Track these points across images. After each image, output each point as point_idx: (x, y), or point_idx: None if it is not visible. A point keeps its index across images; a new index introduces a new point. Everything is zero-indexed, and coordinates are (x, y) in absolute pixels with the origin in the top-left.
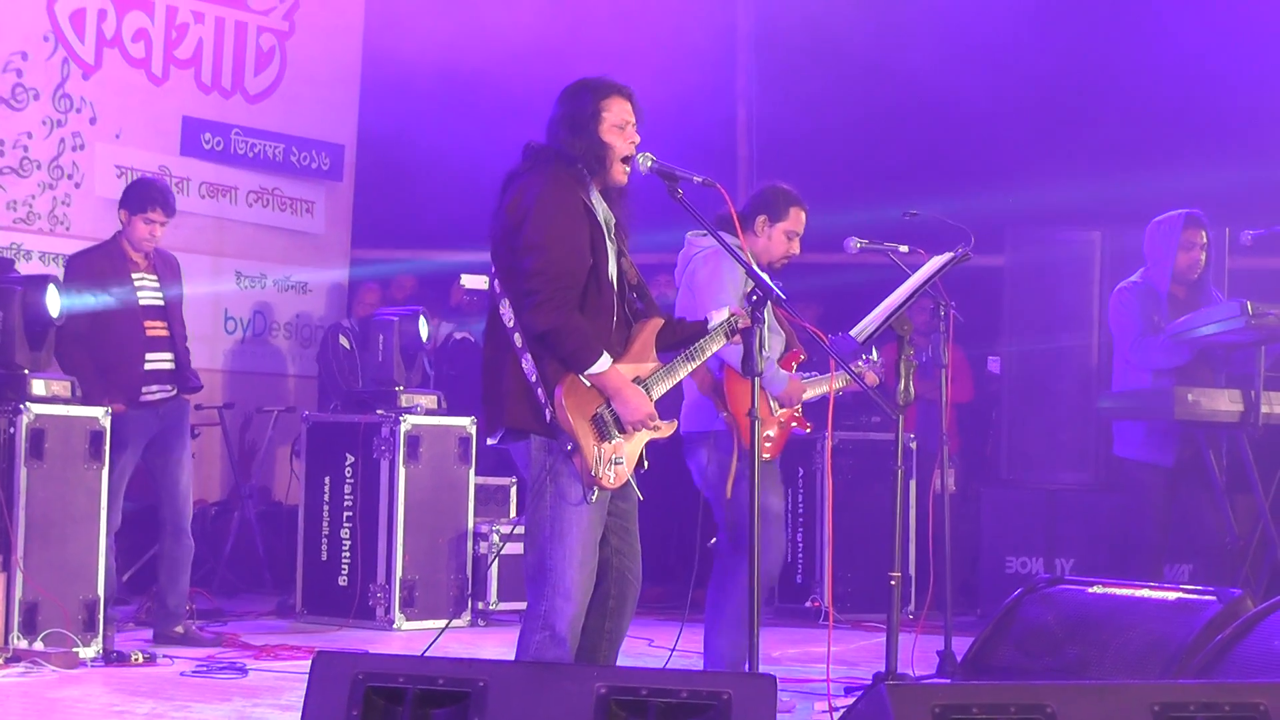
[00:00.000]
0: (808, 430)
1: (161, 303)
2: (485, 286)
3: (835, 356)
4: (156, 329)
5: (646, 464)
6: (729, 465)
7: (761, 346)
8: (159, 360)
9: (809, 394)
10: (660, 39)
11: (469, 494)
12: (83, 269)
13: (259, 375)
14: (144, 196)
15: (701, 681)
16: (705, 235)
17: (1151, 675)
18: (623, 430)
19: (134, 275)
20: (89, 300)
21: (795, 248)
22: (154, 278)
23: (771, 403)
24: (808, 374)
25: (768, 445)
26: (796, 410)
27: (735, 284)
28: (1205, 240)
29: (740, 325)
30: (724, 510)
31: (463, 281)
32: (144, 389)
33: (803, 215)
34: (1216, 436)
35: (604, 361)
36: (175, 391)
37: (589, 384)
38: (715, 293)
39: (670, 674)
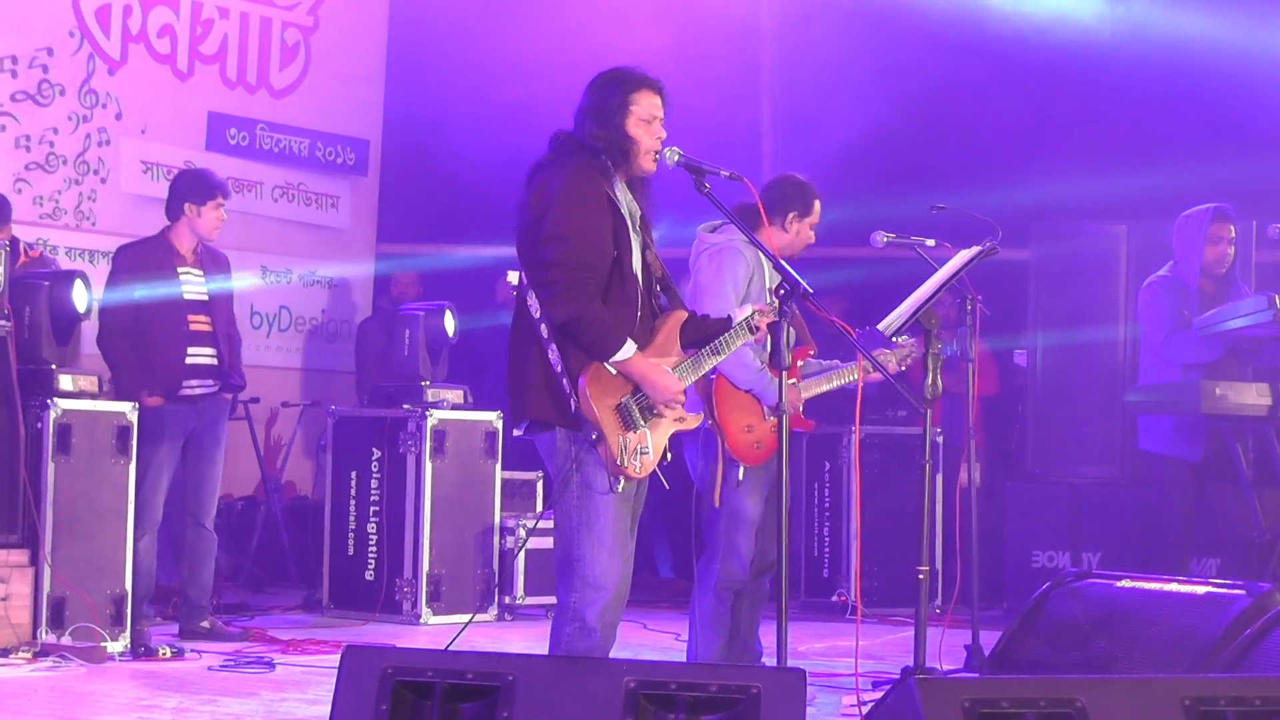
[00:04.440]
0: (809, 428)
1: (206, 298)
2: None
3: (863, 351)
4: (199, 323)
5: (669, 456)
6: (712, 470)
7: (789, 343)
8: (200, 355)
9: (812, 392)
10: (684, 33)
11: (495, 488)
12: (129, 261)
13: (285, 370)
14: (211, 184)
15: (731, 675)
16: (715, 230)
17: (1180, 669)
18: (649, 417)
19: (180, 269)
20: (132, 292)
21: (813, 237)
22: (200, 273)
23: (765, 410)
24: (826, 362)
25: (757, 449)
26: (798, 409)
27: (736, 283)
28: (1233, 234)
29: (761, 323)
30: (702, 509)
31: (508, 278)
32: (184, 383)
33: (820, 205)
34: (1243, 430)
35: (628, 348)
36: (216, 388)
37: (614, 373)
38: (714, 292)
39: (699, 668)
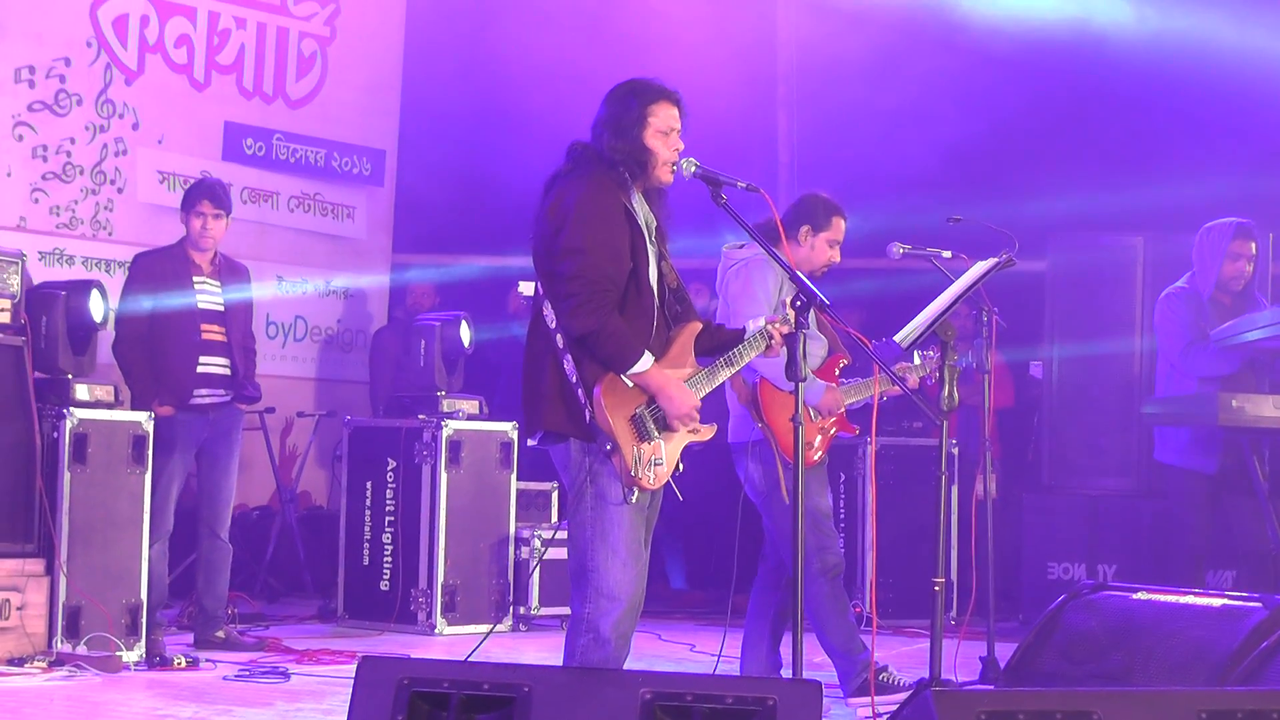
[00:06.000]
0: (855, 433)
1: (221, 308)
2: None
3: (879, 362)
4: (212, 333)
5: (681, 467)
6: (774, 474)
7: (804, 353)
8: (212, 364)
9: (850, 400)
10: (701, 44)
11: (510, 499)
12: (144, 269)
13: (301, 380)
14: (192, 193)
15: (747, 687)
16: (740, 247)
17: (1196, 682)
18: (663, 429)
19: (195, 279)
20: (147, 301)
21: (836, 255)
22: (216, 283)
23: (811, 411)
24: (851, 379)
25: (807, 450)
26: (841, 412)
27: (767, 294)
28: (1254, 251)
29: (779, 332)
30: (769, 519)
31: (520, 289)
32: (195, 392)
33: (843, 224)
34: (1260, 442)
35: (646, 360)
36: (229, 398)
37: (629, 384)
38: (746, 303)
39: (715, 679)
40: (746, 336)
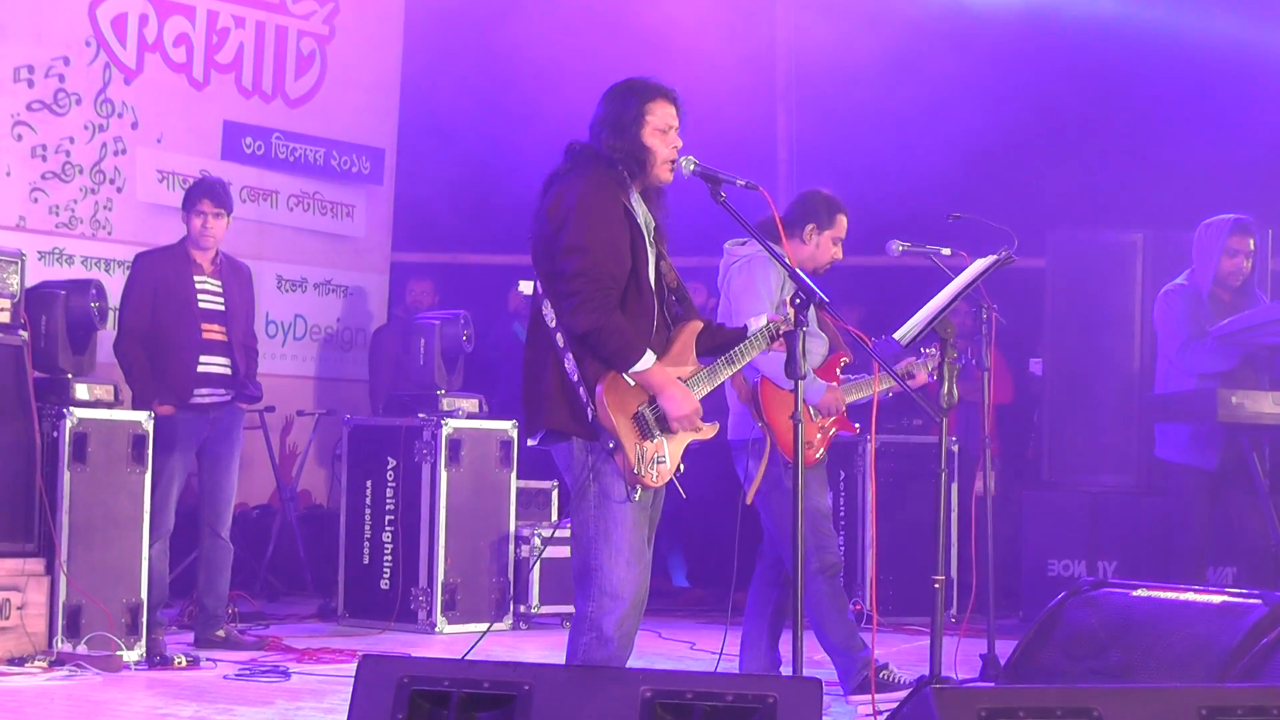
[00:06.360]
0: (855, 431)
1: (222, 308)
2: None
3: (879, 360)
4: (213, 332)
5: (682, 467)
6: (773, 472)
7: (804, 352)
8: (213, 364)
9: (852, 398)
10: (699, 43)
11: (510, 497)
12: (146, 268)
13: (300, 379)
14: (193, 192)
15: (747, 685)
16: (743, 244)
17: (1196, 679)
18: (666, 428)
19: (196, 278)
20: (147, 300)
21: (839, 253)
22: (217, 283)
23: (811, 410)
24: (853, 376)
25: (806, 449)
26: (841, 410)
27: (769, 290)
28: (1252, 247)
29: (780, 331)
30: (768, 516)
31: (520, 287)
32: (195, 391)
33: (845, 220)
34: (1260, 439)
35: (648, 359)
36: (230, 398)
37: (631, 382)
38: (750, 300)
39: (715, 677)
40: (748, 335)
